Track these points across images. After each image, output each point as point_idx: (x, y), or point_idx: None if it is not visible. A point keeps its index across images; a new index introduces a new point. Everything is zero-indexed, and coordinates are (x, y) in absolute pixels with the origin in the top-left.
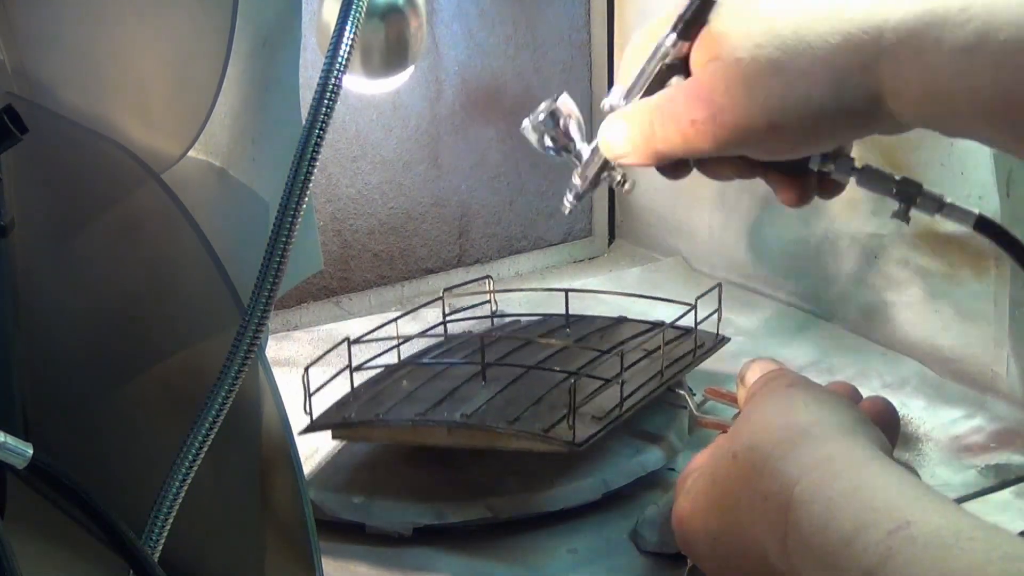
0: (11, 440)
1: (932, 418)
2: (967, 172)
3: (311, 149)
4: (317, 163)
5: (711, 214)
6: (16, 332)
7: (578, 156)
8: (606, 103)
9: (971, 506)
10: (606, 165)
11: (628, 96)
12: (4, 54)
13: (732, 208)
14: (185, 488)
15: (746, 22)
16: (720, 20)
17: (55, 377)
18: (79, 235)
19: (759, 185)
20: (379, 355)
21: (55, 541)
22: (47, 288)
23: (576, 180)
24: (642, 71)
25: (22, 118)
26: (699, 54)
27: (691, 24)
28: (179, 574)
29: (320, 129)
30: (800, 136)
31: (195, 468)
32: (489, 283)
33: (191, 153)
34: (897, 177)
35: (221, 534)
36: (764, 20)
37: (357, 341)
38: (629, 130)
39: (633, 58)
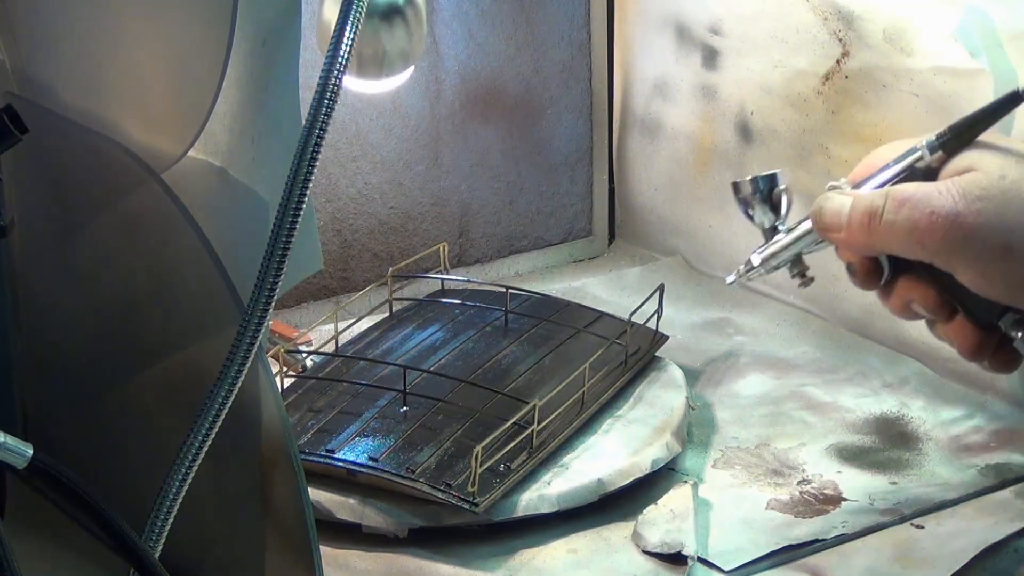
0: (11, 440)
1: (932, 418)
2: None
3: (311, 149)
4: (317, 163)
5: (711, 214)
6: (16, 332)
7: (770, 231)
8: (832, 186)
9: (971, 506)
10: (798, 247)
11: (860, 186)
12: (4, 54)
13: (732, 208)
14: (185, 488)
15: (1017, 150)
16: (993, 141)
17: (55, 377)
18: (79, 235)
19: None
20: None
21: (55, 541)
22: (47, 288)
23: (757, 256)
24: (884, 167)
25: (22, 118)
26: (953, 166)
27: (956, 138)
28: (179, 574)
29: (320, 129)
30: None
31: (195, 468)
32: (443, 249)
33: (191, 153)
34: None
35: (221, 534)
36: None
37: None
38: (854, 206)
39: (875, 161)
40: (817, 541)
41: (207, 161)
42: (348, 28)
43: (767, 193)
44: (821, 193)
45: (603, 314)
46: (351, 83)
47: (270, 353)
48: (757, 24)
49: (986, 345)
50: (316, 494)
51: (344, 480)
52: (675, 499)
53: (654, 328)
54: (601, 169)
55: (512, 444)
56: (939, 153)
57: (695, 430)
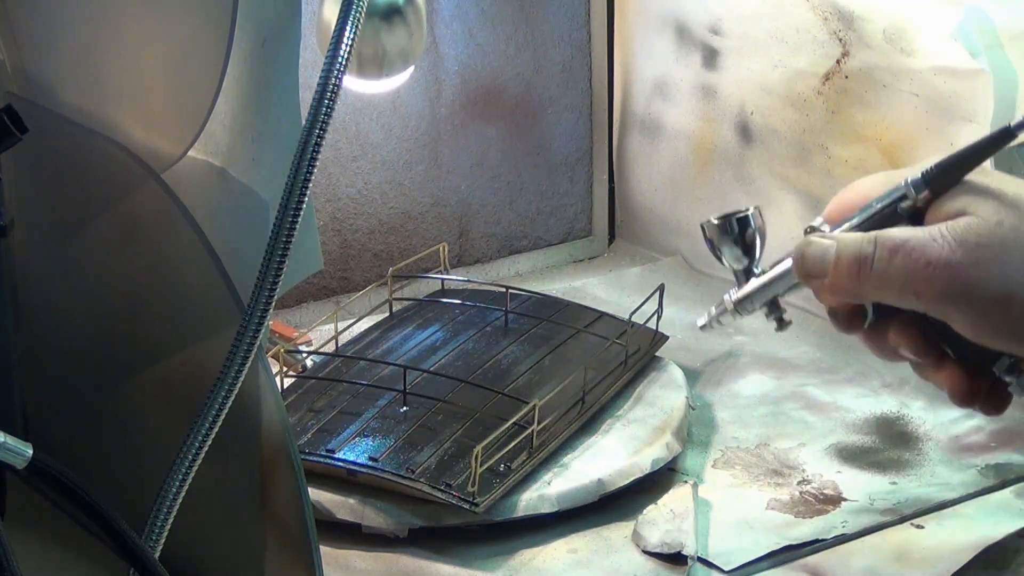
0: (11, 440)
1: (932, 417)
2: None
3: (311, 149)
4: (317, 163)
5: (711, 214)
6: (16, 332)
7: (744, 273)
8: (810, 228)
9: (971, 506)
10: (775, 290)
11: (838, 226)
12: (4, 54)
13: (732, 208)
14: (185, 488)
15: (1016, 193)
16: (986, 181)
17: (55, 377)
18: (79, 235)
19: (759, 185)
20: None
21: (55, 541)
22: (47, 288)
23: (731, 298)
24: (866, 207)
25: (22, 118)
26: (942, 208)
27: (944, 176)
28: (179, 574)
29: (320, 129)
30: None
31: (195, 468)
32: (443, 249)
33: (191, 153)
34: None
35: (221, 534)
36: None
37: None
38: (841, 254)
39: (852, 197)
40: (817, 541)
41: (207, 161)
42: (348, 28)
43: (739, 234)
44: (804, 227)
45: (603, 314)
46: (351, 83)
47: (270, 353)
48: (757, 24)
49: (978, 390)
50: (316, 494)
51: (344, 480)
52: (675, 499)
53: (654, 328)
54: (601, 169)
55: (512, 444)
56: (925, 192)
57: (695, 430)
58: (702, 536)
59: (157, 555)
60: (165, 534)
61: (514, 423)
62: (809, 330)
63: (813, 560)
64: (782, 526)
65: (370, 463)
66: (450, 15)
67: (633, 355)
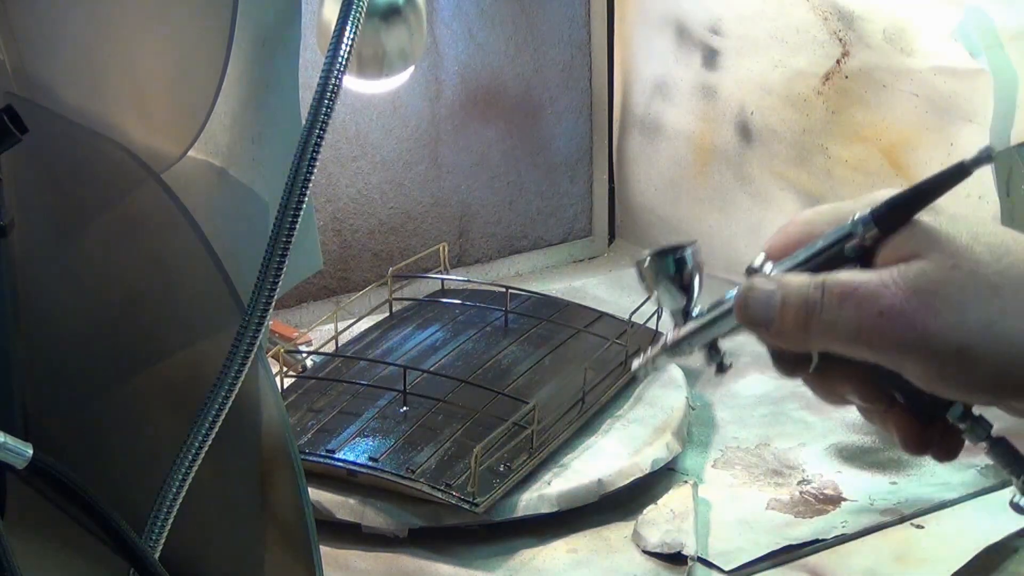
0: (11, 440)
1: None
2: None
3: (311, 149)
4: (317, 163)
5: (711, 214)
6: (16, 332)
7: (682, 313)
8: (752, 268)
9: (971, 506)
10: (714, 332)
11: (784, 269)
12: (4, 54)
13: (732, 208)
14: (185, 488)
15: (968, 234)
16: (939, 221)
17: (55, 377)
18: (79, 235)
19: (758, 185)
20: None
21: (55, 541)
22: (47, 288)
23: (667, 338)
24: (810, 247)
25: (22, 118)
26: (894, 250)
27: (894, 214)
28: (179, 574)
29: (320, 129)
30: (985, 372)
31: (195, 468)
32: (443, 249)
33: (191, 153)
34: None
35: (221, 534)
36: (988, 244)
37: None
38: (786, 300)
39: (796, 231)
40: (817, 541)
41: (207, 161)
42: (348, 28)
43: (676, 273)
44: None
45: (603, 314)
46: (351, 83)
47: (270, 353)
48: (757, 24)
49: (930, 437)
50: (316, 494)
51: (344, 480)
52: (675, 499)
53: (654, 328)
54: (601, 169)
55: (512, 444)
56: (874, 230)
57: (695, 430)
58: (702, 536)
59: (157, 555)
60: (165, 534)
61: (514, 423)
62: None
63: (813, 560)
64: (782, 526)
65: (370, 463)
66: (450, 15)
67: (633, 355)
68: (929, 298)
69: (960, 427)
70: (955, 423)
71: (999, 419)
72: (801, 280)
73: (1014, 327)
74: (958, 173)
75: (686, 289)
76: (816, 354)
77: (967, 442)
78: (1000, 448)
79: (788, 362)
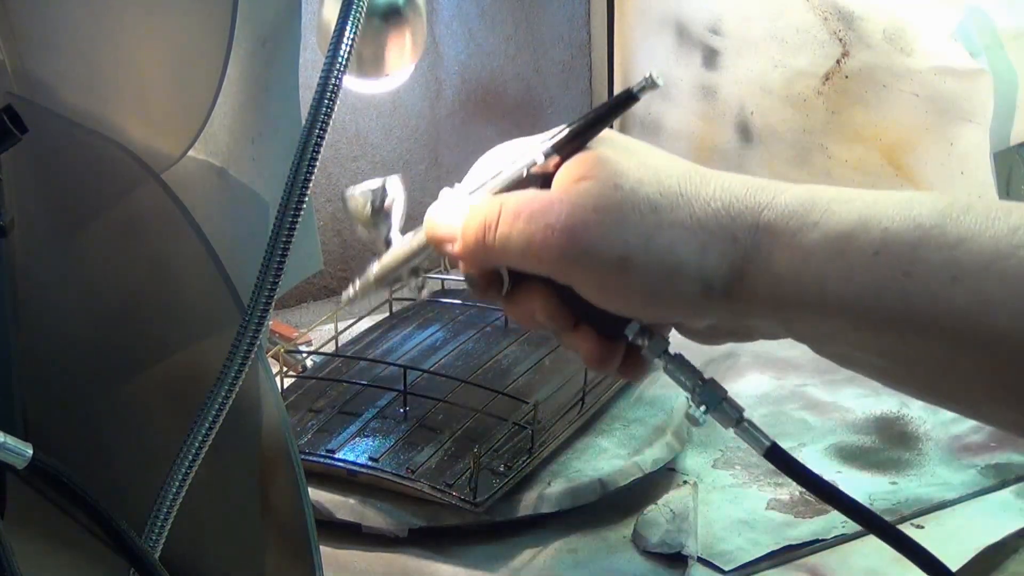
0: (11, 440)
1: (932, 417)
2: (967, 172)
3: (311, 149)
4: (317, 163)
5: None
6: (16, 332)
7: (387, 242)
8: (445, 193)
9: (971, 506)
10: (414, 257)
11: (473, 194)
12: (4, 54)
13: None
14: (185, 488)
15: (635, 159)
16: (606, 148)
17: (55, 377)
18: (79, 235)
19: None
20: (309, 354)
21: (55, 541)
22: (47, 288)
23: (372, 269)
24: (498, 173)
25: (22, 118)
26: (568, 173)
27: (570, 142)
28: (179, 574)
29: (320, 129)
30: (645, 283)
31: (195, 468)
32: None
33: (191, 153)
34: (705, 378)
35: (221, 534)
36: (653, 168)
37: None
38: (468, 219)
39: (486, 164)
40: (817, 541)
41: (207, 161)
42: (348, 28)
43: (379, 204)
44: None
45: None
46: (351, 83)
47: (270, 353)
48: (757, 24)
49: (612, 355)
50: (316, 494)
51: (344, 480)
52: (675, 499)
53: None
54: None
55: (512, 444)
56: (554, 156)
57: (695, 430)
58: (702, 536)
59: (157, 555)
60: (165, 534)
61: (514, 423)
62: None
63: (813, 560)
64: (782, 526)
65: (370, 463)
66: (450, 15)
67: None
68: (591, 213)
69: (639, 344)
70: (634, 340)
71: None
72: (482, 200)
73: (668, 240)
74: (627, 100)
75: (387, 219)
76: (507, 276)
77: (648, 364)
78: (676, 363)
79: (481, 285)
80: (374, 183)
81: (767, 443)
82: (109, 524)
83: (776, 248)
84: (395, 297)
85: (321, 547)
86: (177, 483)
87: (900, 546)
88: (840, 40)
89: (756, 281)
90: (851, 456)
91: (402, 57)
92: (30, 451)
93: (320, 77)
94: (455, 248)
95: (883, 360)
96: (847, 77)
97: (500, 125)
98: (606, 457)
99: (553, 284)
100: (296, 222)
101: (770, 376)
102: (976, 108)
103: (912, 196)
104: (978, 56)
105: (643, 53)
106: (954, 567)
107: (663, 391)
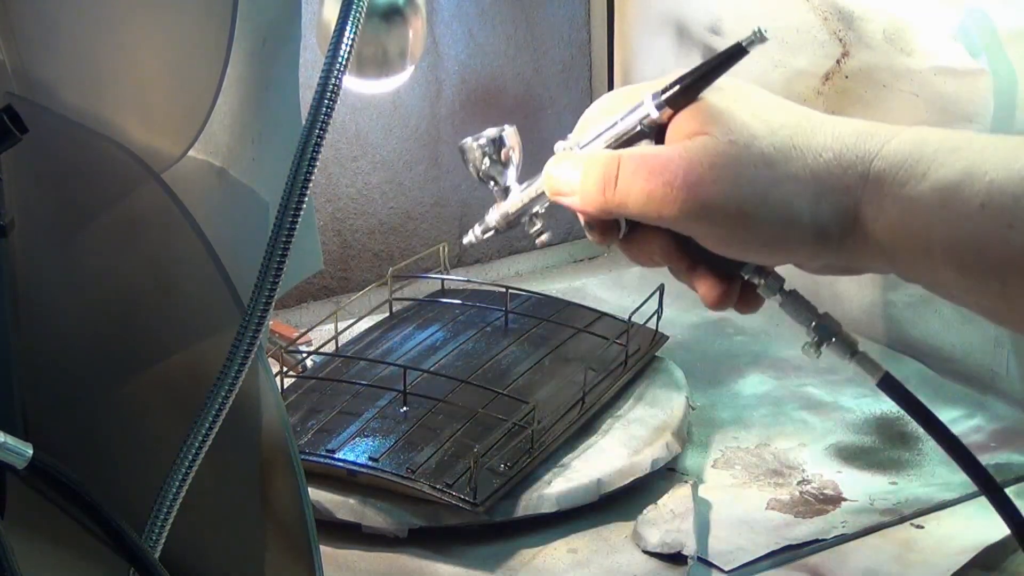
0: (11, 440)
1: None
2: None
3: (311, 149)
4: (317, 163)
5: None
6: (16, 332)
7: (505, 191)
8: (560, 146)
9: (971, 506)
10: (532, 205)
11: (586, 145)
12: (4, 54)
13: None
14: (185, 488)
15: (748, 112)
16: (721, 100)
17: (55, 377)
18: (79, 235)
19: None
20: (309, 354)
21: (55, 541)
22: (47, 288)
23: (493, 215)
24: (612, 125)
25: (22, 118)
26: (682, 126)
27: (683, 95)
28: (179, 574)
29: (320, 129)
30: (762, 234)
31: (195, 468)
32: (443, 249)
33: (191, 153)
34: (820, 311)
35: (221, 534)
36: (766, 120)
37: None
38: (587, 172)
39: (598, 115)
40: (817, 541)
41: (207, 161)
42: (348, 28)
43: (496, 154)
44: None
45: (603, 314)
46: (351, 83)
47: (270, 353)
48: (757, 24)
49: (729, 293)
50: (316, 494)
51: (344, 480)
52: (675, 499)
53: (654, 328)
54: None
55: (512, 444)
56: (667, 109)
57: (695, 430)
58: (702, 536)
59: (157, 555)
60: (165, 534)
61: (514, 423)
62: None
63: (813, 560)
64: (782, 526)
65: (370, 463)
66: (450, 15)
67: (633, 355)
68: (707, 170)
69: (755, 282)
70: (750, 279)
71: None
72: (601, 154)
73: (783, 193)
74: (736, 53)
75: (505, 167)
76: (624, 221)
77: (763, 301)
78: (792, 299)
79: (599, 230)
80: (491, 132)
81: (881, 372)
82: (109, 524)
83: (886, 198)
84: (395, 297)
85: (321, 547)
86: (177, 483)
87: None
88: (840, 40)
89: (867, 229)
90: (851, 456)
91: (402, 57)
92: (30, 451)
93: (320, 77)
94: (574, 201)
95: (988, 301)
96: (847, 77)
97: (500, 125)
98: (606, 457)
99: (670, 231)
100: (296, 222)
101: (770, 376)
102: (976, 108)
103: (1018, 145)
104: (978, 56)
105: (643, 53)
106: (954, 567)
107: (663, 391)
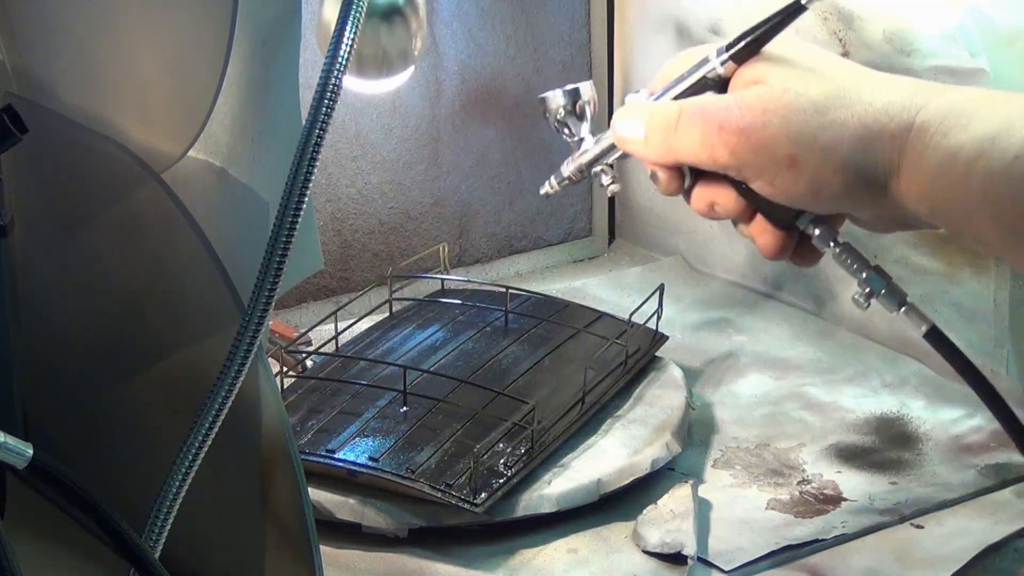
0: (11, 440)
1: (932, 417)
2: None
3: (311, 149)
4: (317, 163)
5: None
6: (16, 332)
7: (579, 143)
8: (631, 98)
9: (971, 506)
10: (603, 156)
11: (656, 98)
12: (4, 54)
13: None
14: (185, 488)
15: (805, 65)
16: (780, 54)
17: (55, 377)
18: (79, 235)
19: None
20: (309, 354)
21: (55, 541)
22: (47, 288)
23: (567, 167)
24: (680, 78)
25: (22, 118)
26: (742, 77)
27: (746, 49)
28: (179, 574)
29: (320, 129)
30: (810, 179)
31: (195, 468)
32: (443, 249)
33: (191, 153)
34: (872, 264)
35: (221, 534)
36: (822, 72)
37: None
38: (650, 121)
39: (670, 71)
40: (817, 541)
41: (207, 161)
42: (348, 28)
43: (572, 106)
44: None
45: (603, 314)
46: (351, 83)
47: (270, 353)
48: None
49: (786, 244)
50: (316, 494)
51: (344, 480)
52: (675, 499)
53: (654, 328)
54: None
55: (512, 444)
56: (730, 63)
57: (695, 430)
58: (702, 536)
59: (157, 555)
60: (165, 534)
61: (514, 423)
62: (809, 330)
63: (813, 560)
64: (782, 526)
65: (370, 463)
66: (450, 15)
67: (633, 355)
68: (759, 115)
69: (810, 233)
70: (805, 230)
71: None
72: (665, 104)
73: (831, 137)
74: (796, 10)
75: (581, 120)
76: (688, 173)
77: (820, 254)
78: (845, 250)
79: (665, 181)
80: (570, 87)
81: (928, 325)
82: (109, 524)
83: (928, 147)
84: (395, 297)
85: (321, 547)
86: (177, 483)
87: None
88: (840, 40)
89: (910, 177)
90: (851, 456)
91: (402, 57)
92: (30, 451)
93: (320, 77)
94: (640, 148)
95: (1019, 251)
96: None
97: (500, 125)
98: (606, 457)
99: (730, 179)
100: (296, 222)
101: (770, 376)
102: None
103: None
104: (978, 56)
105: (643, 53)
106: (954, 567)
107: (663, 391)
